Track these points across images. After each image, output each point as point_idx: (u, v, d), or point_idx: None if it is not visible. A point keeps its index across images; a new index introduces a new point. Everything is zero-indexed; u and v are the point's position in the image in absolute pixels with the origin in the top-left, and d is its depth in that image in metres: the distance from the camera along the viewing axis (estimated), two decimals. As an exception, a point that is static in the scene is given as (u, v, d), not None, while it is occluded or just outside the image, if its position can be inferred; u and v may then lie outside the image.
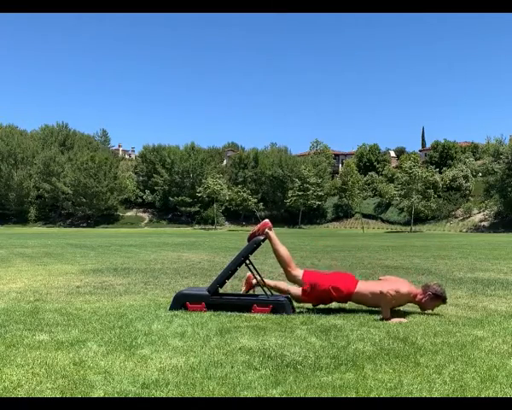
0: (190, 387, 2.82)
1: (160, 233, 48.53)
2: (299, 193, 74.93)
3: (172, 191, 78.66)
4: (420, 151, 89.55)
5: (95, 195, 74.94)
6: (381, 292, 4.74)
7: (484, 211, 68.23)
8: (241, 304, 5.03)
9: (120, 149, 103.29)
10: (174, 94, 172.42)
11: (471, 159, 77.61)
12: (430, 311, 5.08)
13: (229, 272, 5.18)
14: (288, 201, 76.28)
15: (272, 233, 5.21)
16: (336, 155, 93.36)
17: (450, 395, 2.70)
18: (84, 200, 75.11)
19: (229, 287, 6.34)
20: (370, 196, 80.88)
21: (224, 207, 78.76)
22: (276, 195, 79.33)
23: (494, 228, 62.53)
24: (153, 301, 5.74)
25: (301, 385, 2.85)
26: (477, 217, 68.66)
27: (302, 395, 2.69)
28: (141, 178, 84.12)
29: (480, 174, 74.10)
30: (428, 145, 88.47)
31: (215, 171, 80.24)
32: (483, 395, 2.69)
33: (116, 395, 2.68)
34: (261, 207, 77.77)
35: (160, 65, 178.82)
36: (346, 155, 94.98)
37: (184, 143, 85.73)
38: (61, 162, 78.15)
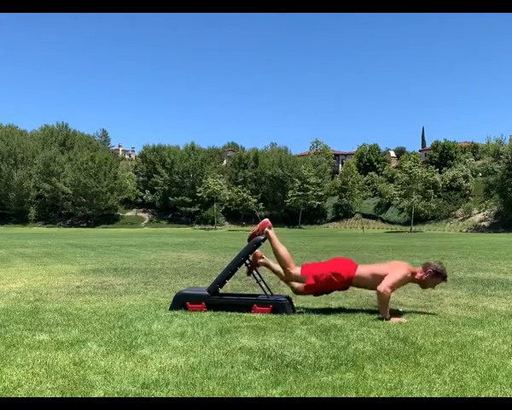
0: (190, 387, 2.82)
1: (159, 233, 48.54)
2: (299, 193, 74.91)
3: (172, 191, 78.65)
4: (420, 151, 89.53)
5: (95, 195, 74.93)
6: (379, 291, 4.74)
7: (484, 211, 68.22)
8: (241, 304, 5.03)
9: (120, 149, 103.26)
10: (174, 94, 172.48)
11: (471, 159, 77.60)
12: (431, 310, 5.08)
13: (229, 272, 5.19)
14: (288, 201, 76.27)
15: (272, 232, 5.21)
16: (336, 155, 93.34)
17: (450, 395, 2.70)
18: (84, 200, 75.10)
19: (229, 287, 6.34)
20: (370, 196, 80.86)
21: (223, 207, 78.75)
22: (276, 195, 79.32)
23: (494, 228, 62.52)
24: (153, 301, 5.74)
25: (301, 385, 2.85)
26: (477, 217, 68.66)
27: (302, 395, 2.69)
28: (141, 178, 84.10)
29: (480, 174, 74.09)
30: (428, 145, 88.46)
31: (215, 171, 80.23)
32: (483, 395, 2.69)
33: (116, 395, 2.68)
34: (261, 207, 77.74)
35: (160, 65, 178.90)
36: (346, 155, 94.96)
37: (184, 143, 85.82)
38: (61, 162, 78.13)
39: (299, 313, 5.00)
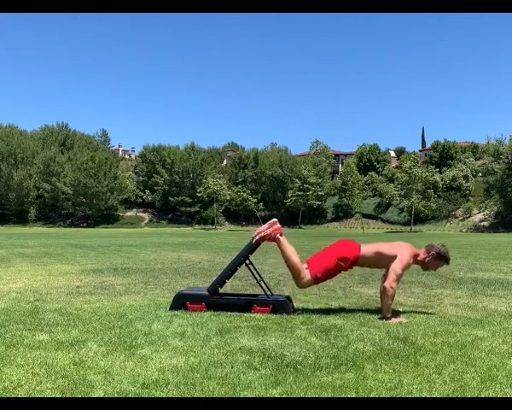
0: (190, 387, 2.82)
1: (159, 233, 48.54)
2: (299, 193, 74.90)
3: (172, 191, 78.64)
4: (420, 151, 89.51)
5: (95, 195, 74.92)
6: (385, 288, 4.73)
7: (484, 211, 68.20)
8: (241, 304, 5.03)
9: (120, 149, 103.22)
10: (174, 94, 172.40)
11: (471, 159, 77.58)
12: (431, 310, 5.08)
13: (230, 272, 5.19)
14: (288, 201, 76.25)
15: (283, 239, 5.07)
16: (336, 155, 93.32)
17: (450, 395, 2.70)
18: (84, 200, 75.10)
19: (229, 287, 6.34)
20: (370, 196, 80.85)
21: (223, 207, 78.74)
22: (276, 195, 79.31)
23: (494, 228, 62.50)
24: (153, 301, 5.74)
25: (301, 385, 2.85)
26: (477, 217, 68.64)
27: (302, 395, 2.69)
28: (141, 178, 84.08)
29: (480, 174, 74.08)
30: (428, 145, 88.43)
31: (215, 171, 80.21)
32: (483, 395, 2.69)
33: (116, 395, 2.68)
34: (261, 207, 77.73)
35: (160, 65, 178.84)
36: (346, 155, 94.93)
37: (184, 143, 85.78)
38: (61, 162, 78.11)
39: (299, 313, 4.99)
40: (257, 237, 5.04)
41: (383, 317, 4.69)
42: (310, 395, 2.70)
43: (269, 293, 5.15)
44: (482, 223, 66.88)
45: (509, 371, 3.13)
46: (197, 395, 2.71)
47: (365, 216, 76.41)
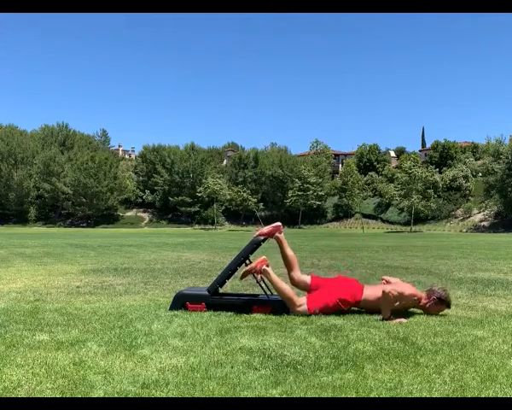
0: (190, 387, 2.82)
1: (159, 233, 48.53)
2: (299, 193, 74.92)
3: (172, 191, 78.66)
4: (420, 151, 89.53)
5: (95, 195, 74.95)
6: (383, 292, 4.73)
7: (484, 211, 68.21)
8: (240, 304, 5.03)
9: (120, 149, 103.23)
10: (174, 94, 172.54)
11: (471, 159, 77.60)
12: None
13: (229, 272, 5.18)
14: (288, 201, 76.27)
15: (282, 236, 5.14)
16: (336, 155, 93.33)
17: (450, 395, 2.70)
18: (84, 200, 75.12)
19: (229, 287, 6.34)
20: (370, 196, 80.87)
21: (223, 207, 78.76)
22: (276, 195, 79.32)
23: (494, 228, 62.51)
24: (153, 301, 5.73)
25: (301, 385, 2.85)
26: (477, 217, 68.65)
27: (302, 395, 2.69)
28: (141, 178, 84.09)
29: (480, 174, 74.10)
30: (428, 145, 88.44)
31: (215, 171, 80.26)
32: (483, 395, 2.69)
33: (116, 395, 2.68)
34: (261, 207, 77.76)
35: (160, 65, 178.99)
36: (346, 155, 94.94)
37: (184, 143, 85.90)
38: (61, 162, 78.13)
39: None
40: (265, 231, 5.11)
41: (383, 318, 4.70)
42: (310, 395, 2.70)
43: (269, 293, 5.15)
44: (482, 223, 66.88)
45: (509, 371, 3.13)
46: (197, 395, 2.71)
47: (365, 216, 76.42)
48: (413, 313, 5.01)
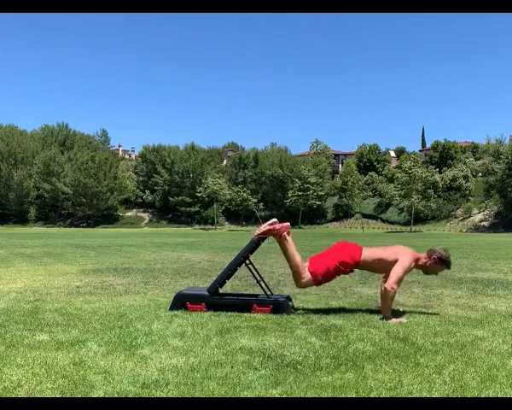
0: (190, 387, 2.82)
1: (159, 233, 48.53)
2: (299, 193, 74.89)
3: (172, 191, 78.63)
4: (420, 151, 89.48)
5: (95, 195, 74.92)
6: (386, 289, 4.73)
7: (484, 211, 68.18)
8: (241, 304, 5.03)
9: (120, 149, 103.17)
10: (174, 94, 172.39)
11: (471, 159, 77.57)
12: (431, 310, 5.07)
13: (229, 272, 5.19)
14: (288, 201, 76.24)
15: (290, 238, 5.11)
16: (336, 155, 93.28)
17: (450, 395, 2.70)
18: (84, 200, 75.09)
19: (229, 287, 6.34)
20: (370, 196, 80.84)
21: (224, 207, 78.75)
22: (276, 195, 79.29)
23: (494, 228, 62.49)
24: (153, 301, 5.74)
25: (301, 385, 2.85)
26: (477, 217, 68.63)
27: (302, 395, 2.69)
28: (141, 178, 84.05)
29: (480, 174, 74.07)
30: (428, 145, 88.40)
31: (215, 171, 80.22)
32: (483, 395, 2.69)
33: (116, 395, 2.68)
34: (261, 207, 77.73)
35: (160, 65, 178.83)
36: (346, 155, 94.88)
37: (184, 143, 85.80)
38: (61, 162, 78.08)
39: (299, 313, 5.00)
40: (263, 229, 5.04)
41: (383, 317, 4.70)
42: (310, 395, 2.70)
43: (269, 293, 5.15)
44: (482, 223, 66.87)
45: (509, 371, 3.13)
46: (197, 395, 2.71)
47: (365, 216, 76.40)
48: (413, 313, 5.02)
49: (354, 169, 79.34)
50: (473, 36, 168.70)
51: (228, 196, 75.86)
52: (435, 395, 2.71)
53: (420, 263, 4.96)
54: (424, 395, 2.71)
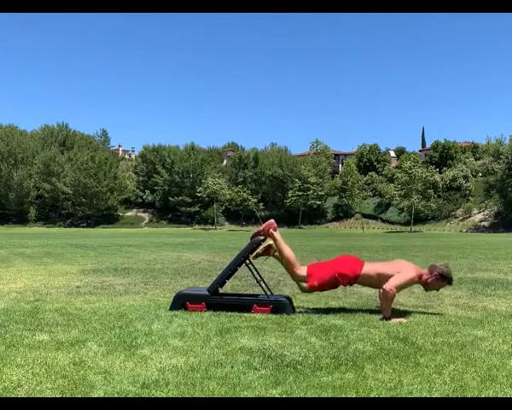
0: (190, 387, 2.82)
1: (159, 233, 48.53)
2: (299, 193, 74.90)
3: (172, 191, 78.64)
4: (420, 151, 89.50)
5: (95, 195, 74.93)
6: (384, 290, 4.73)
7: (484, 211, 68.20)
8: (241, 304, 5.03)
9: (120, 149, 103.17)
10: (174, 94, 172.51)
11: (471, 159, 77.57)
12: (431, 310, 5.07)
13: (230, 272, 5.19)
14: (288, 201, 76.25)
15: (277, 234, 5.17)
16: (336, 155, 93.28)
17: (450, 395, 2.70)
18: (84, 200, 75.11)
19: (229, 287, 6.34)
20: (370, 196, 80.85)
21: (223, 207, 78.75)
22: (276, 195, 79.30)
23: (494, 228, 62.50)
24: (153, 301, 5.74)
25: (301, 385, 2.85)
26: (477, 217, 68.64)
27: (302, 395, 2.69)
28: (141, 178, 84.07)
29: (480, 174, 74.08)
30: (428, 145, 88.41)
31: (215, 171, 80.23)
32: (483, 395, 2.69)
33: (116, 395, 2.68)
34: (261, 207, 77.73)
35: (160, 65, 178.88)
36: (346, 155, 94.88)
37: (184, 143, 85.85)
38: (61, 162, 78.10)
39: (299, 313, 5.00)
40: (254, 232, 5.21)
41: (383, 317, 4.70)
42: (310, 395, 2.70)
43: (269, 293, 5.15)
44: (482, 223, 66.88)
45: (509, 371, 3.13)
46: (197, 395, 2.71)
47: (365, 216, 76.41)
48: (413, 313, 5.02)
49: (354, 169, 79.33)
50: (473, 36, 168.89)
51: (228, 196, 75.87)
52: (435, 395, 2.71)
53: (422, 280, 4.98)
54: (424, 395, 2.71)
